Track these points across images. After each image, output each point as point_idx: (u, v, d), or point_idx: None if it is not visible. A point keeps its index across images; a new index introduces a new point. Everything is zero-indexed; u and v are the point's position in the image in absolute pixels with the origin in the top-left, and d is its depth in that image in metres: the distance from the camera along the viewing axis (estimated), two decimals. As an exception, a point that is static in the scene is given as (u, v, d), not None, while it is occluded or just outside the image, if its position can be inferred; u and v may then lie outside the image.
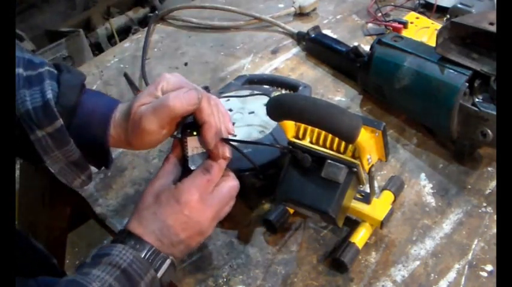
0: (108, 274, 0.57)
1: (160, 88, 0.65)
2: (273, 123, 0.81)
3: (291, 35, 1.19)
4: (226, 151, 0.66)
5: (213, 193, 0.64)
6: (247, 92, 0.89)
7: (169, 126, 0.65)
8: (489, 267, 0.73)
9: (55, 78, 0.65)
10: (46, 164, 0.64)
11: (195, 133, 0.66)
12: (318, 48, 1.11)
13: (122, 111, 0.67)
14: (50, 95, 0.62)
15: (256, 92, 0.89)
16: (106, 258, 0.58)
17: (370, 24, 1.18)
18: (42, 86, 0.63)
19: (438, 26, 1.10)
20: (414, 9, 1.20)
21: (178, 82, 0.66)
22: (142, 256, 0.60)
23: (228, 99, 0.88)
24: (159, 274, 0.61)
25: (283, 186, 0.70)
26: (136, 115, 0.64)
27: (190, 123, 0.67)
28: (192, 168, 0.66)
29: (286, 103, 0.66)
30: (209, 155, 0.66)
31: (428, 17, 1.16)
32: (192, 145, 0.67)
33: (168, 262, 0.62)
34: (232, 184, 0.66)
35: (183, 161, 0.67)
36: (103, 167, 0.71)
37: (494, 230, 0.77)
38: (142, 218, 0.62)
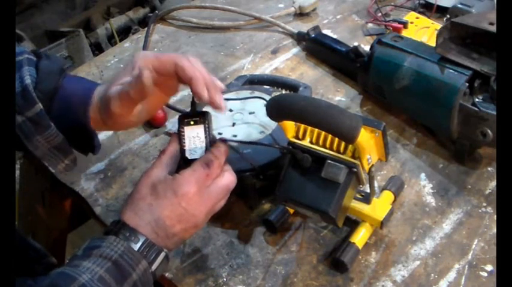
0: (98, 266, 0.57)
1: (138, 67, 0.63)
2: (273, 124, 0.81)
3: (291, 35, 1.19)
4: (222, 103, 0.63)
5: (210, 187, 0.63)
6: (247, 93, 0.89)
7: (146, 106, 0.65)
8: (489, 267, 0.73)
9: (34, 64, 0.66)
10: (29, 150, 0.65)
11: (192, 123, 0.66)
12: (318, 48, 1.11)
13: (99, 94, 0.67)
14: (28, 80, 0.63)
15: (256, 93, 0.89)
16: (97, 250, 0.58)
17: (370, 24, 1.18)
18: (21, 72, 0.64)
19: (438, 26, 1.10)
20: (414, 9, 1.20)
21: (156, 55, 0.64)
22: (137, 248, 0.59)
23: (229, 100, 0.88)
24: (154, 267, 0.61)
25: (283, 186, 0.70)
26: (106, 97, 0.64)
27: (187, 114, 0.67)
28: (189, 158, 0.66)
29: (286, 103, 0.66)
30: (208, 147, 0.66)
31: (428, 17, 1.16)
32: (190, 134, 0.66)
33: (162, 254, 0.61)
34: (229, 178, 0.65)
35: (180, 152, 0.66)
36: (90, 153, 0.71)
37: (494, 230, 0.77)
38: (138, 209, 0.61)
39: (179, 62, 0.61)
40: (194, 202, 0.62)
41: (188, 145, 0.66)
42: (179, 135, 0.66)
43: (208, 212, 0.64)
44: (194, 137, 0.66)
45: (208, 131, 0.66)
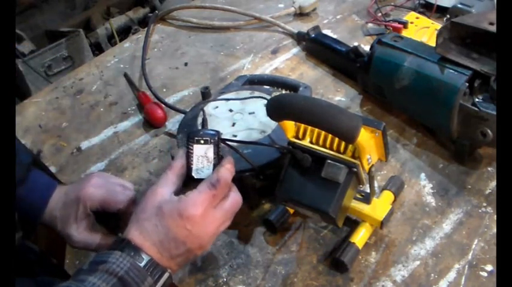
0: (104, 282, 0.56)
1: (88, 207, 0.72)
2: (273, 124, 0.81)
3: (291, 35, 1.19)
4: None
5: (216, 209, 0.63)
6: (246, 93, 0.89)
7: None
8: (489, 267, 0.73)
9: None
10: None
11: (202, 141, 0.66)
12: (318, 48, 1.11)
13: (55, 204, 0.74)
14: None
15: (256, 93, 0.89)
16: (103, 265, 0.58)
17: (370, 24, 1.18)
18: None
19: (438, 26, 1.10)
20: (414, 9, 1.20)
21: (102, 196, 0.73)
22: (142, 266, 0.60)
23: (229, 100, 0.88)
24: (158, 286, 0.61)
25: (283, 186, 0.70)
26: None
27: (197, 132, 0.67)
28: (195, 177, 0.66)
29: (286, 103, 0.66)
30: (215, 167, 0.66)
31: (428, 17, 1.16)
32: (198, 153, 0.66)
33: (166, 275, 0.61)
34: (235, 199, 0.66)
35: (187, 169, 0.66)
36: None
37: (494, 230, 0.77)
38: (144, 229, 0.61)
39: (122, 209, 0.73)
40: (199, 224, 0.62)
41: (196, 163, 0.66)
42: (187, 153, 0.66)
43: (213, 234, 0.64)
44: (202, 157, 0.66)
45: (217, 151, 0.66)
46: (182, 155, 0.67)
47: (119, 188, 0.74)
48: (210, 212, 0.62)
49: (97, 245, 0.71)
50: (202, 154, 0.66)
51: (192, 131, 0.67)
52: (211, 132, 0.67)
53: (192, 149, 0.66)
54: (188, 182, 0.65)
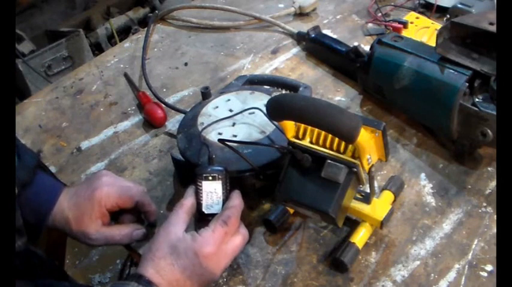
0: None
1: (103, 206, 0.72)
2: (273, 124, 0.81)
3: (291, 35, 1.19)
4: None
5: (227, 244, 0.65)
6: (247, 93, 0.89)
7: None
8: (489, 267, 0.73)
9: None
10: None
11: (210, 178, 0.68)
12: (318, 48, 1.11)
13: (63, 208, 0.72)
14: None
15: (255, 93, 0.89)
16: None
17: (370, 24, 1.19)
18: None
19: (438, 26, 1.10)
20: (414, 9, 1.20)
21: (118, 192, 0.73)
22: None
23: (229, 100, 0.88)
24: None
25: (283, 186, 0.70)
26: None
27: (205, 169, 0.68)
28: (206, 212, 0.68)
29: (286, 103, 0.66)
30: (225, 202, 0.68)
31: (428, 17, 1.16)
32: (207, 189, 0.68)
33: None
34: (243, 235, 0.67)
35: (197, 205, 0.68)
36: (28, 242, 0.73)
37: (494, 230, 0.77)
38: (160, 268, 0.62)
39: (140, 199, 0.74)
40: (213, 261, 0.64)
41: (205, 199, 0.68)
42: (196, 190, 0.68)
43: (224, 267, 0.65)
44: (212, 193, 0.68)
45: (226, 186, 0.69)
46: (192, 193, 0.69)
47: (128, 183, 0.75)
48: (222, 248, 0.64)
49: (118, 237, 0.72)
50: (212, 190, 0.68)
51: (200, 168, 0.69)
52: (219, 168, 0.69)
53: (201, 186, 0.68)
54: (198, 217, 0.68)
